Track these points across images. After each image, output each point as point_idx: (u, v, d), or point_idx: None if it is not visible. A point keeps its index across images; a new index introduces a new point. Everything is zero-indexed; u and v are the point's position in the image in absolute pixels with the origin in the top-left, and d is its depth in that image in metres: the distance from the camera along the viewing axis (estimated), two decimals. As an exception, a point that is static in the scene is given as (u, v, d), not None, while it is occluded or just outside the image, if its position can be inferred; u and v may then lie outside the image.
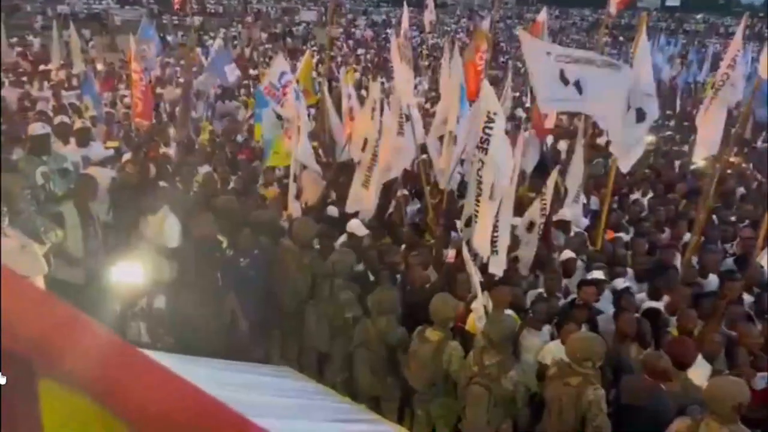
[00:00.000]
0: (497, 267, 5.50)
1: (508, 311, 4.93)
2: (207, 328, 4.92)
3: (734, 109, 9.86)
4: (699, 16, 43.57)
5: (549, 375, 4.29)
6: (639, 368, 4.48)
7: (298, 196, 7.03)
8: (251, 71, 20.86)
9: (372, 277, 5.61)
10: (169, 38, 27.19)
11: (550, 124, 9.21)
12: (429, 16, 16.97)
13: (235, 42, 29.37)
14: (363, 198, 6.73)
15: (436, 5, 17.90)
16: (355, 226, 6.45)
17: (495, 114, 5.09)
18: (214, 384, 3.34)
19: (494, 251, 5.59)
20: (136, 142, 9.77)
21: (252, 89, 16.24)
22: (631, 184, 9.80)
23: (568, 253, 6.39)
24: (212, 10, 38.57)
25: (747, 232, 7.59)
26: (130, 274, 4.84)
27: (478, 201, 5.30)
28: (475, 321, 4.92)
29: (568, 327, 4.87)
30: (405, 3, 7.89)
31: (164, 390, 0.89)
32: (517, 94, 19.10)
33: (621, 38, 31.59)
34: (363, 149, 6.79)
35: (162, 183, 7.32)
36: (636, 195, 9.60)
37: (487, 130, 5.09)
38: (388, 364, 4.88)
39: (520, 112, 16.41)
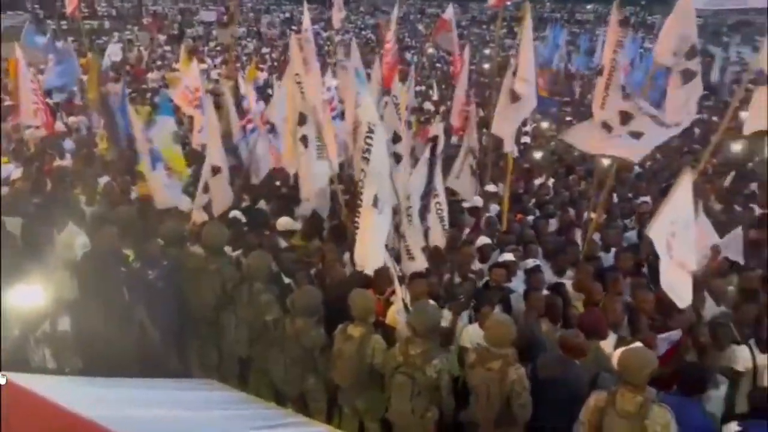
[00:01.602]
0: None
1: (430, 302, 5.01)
2: (118, 346, 4.69)
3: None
4: (589, 6, 45.91)
5: (470, 362, 4.38)
6: (552, 343, 4.71)
7: (206, 207, 6.78)
8: (150, 75, 20.03)
9: (287, 279, 5.56)
10: (58, 44, 25.55)
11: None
12: (338, 13, 16.69)
13: (137, 44, 28.00)
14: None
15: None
16: (286, 223, 6.36)
17: (375, 125, 5.17)
18: (132, 404, 3.20)
19: (410, 257, 5.69)
20: (28, 156, 9.18)
21: (149, 95, 15.57)
22: (532, 168, 10.27)
23: (483, 239, 6.61)
24: (104, 13, 36.63)
25: (644, 207, 8.14)
26: (30, 295, 4.53)
27: (359, 212, 5.33)
28: (395, 314, 4.98)
29: (483, 309, 5.04)
30: (305, 0, 7.85)
31: (42, 420, 0.85)
32: (424, 88, 19.47)
33: (516, 29, 32.69)
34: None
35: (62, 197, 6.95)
36: (541, 179, 10.07)
37: (368, 140, 5.16)
38: (306, 364, 4.85)
39: (428, 105, 16.76)
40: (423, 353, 4.34)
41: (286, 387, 4.94)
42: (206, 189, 6.77)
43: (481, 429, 4.37)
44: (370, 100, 5.59)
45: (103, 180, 8.10)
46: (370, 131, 5.16)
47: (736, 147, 11.81)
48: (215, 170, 6.80)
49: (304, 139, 6.54)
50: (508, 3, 10.04)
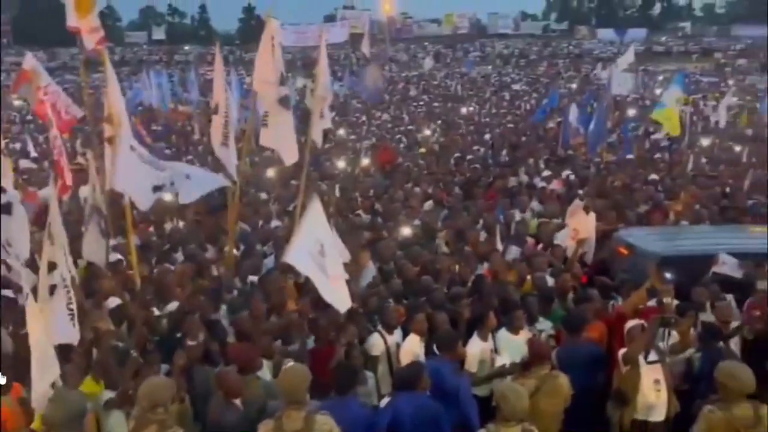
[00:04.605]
0: None
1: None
2: None
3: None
4: (187, 47, 46.73)
5: (129, 430, 3.93)
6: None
7: None
8: None
9: None
10: None
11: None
12: None
13: None
14: None
15: None
16: None
17: None
18: None
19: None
20: None
21: None
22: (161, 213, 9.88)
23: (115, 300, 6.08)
24: None
25: (279, 231, 8.59)
26: None
27: None
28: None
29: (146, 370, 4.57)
30: None
31: None
32: (18, 145, 16.97)
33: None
34: None
35: None
36: (172, 224, 9.74)
37: None
38: None
39: (27, 163, 14.72)
40: None
41: None
42: None
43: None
44: None
45: None
46: None
47: (341, 162, 13.68)
48: None
49: None
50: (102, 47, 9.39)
